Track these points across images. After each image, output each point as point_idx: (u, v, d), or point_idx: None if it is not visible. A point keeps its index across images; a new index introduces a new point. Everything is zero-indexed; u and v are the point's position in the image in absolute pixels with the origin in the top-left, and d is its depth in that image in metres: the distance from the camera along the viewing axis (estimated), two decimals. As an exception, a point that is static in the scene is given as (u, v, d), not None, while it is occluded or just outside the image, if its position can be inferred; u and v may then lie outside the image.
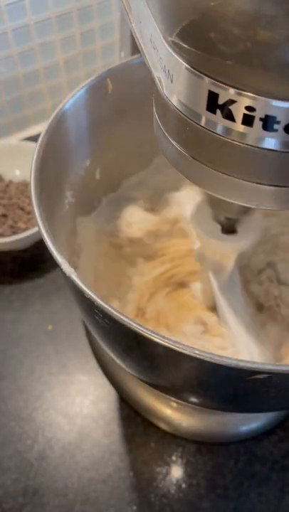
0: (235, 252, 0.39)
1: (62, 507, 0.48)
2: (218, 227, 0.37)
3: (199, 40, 0.20)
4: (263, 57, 0.19)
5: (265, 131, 0.21)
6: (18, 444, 0.51)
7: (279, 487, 0.49)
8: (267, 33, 0.18)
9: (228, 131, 0.22)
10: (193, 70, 0.21)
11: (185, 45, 0.21)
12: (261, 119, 0.20)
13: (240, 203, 0.25)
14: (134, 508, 0.48)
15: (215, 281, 0.43)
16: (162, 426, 0.52)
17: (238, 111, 0.21)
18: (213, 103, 0.21)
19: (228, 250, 0.38)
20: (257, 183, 0.23)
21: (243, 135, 0.21)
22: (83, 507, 0.48)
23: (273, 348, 0.46)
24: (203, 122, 0.23)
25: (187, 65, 0.21)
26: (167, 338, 0.25)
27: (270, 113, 0.20)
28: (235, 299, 0.45)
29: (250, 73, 0.19)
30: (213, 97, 0.21)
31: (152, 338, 0.26)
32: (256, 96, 0.20)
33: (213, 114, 0.22)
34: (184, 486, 0.50)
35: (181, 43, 0.21)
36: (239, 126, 0.21)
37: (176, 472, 0.50)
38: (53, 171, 0.38)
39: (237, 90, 0.20)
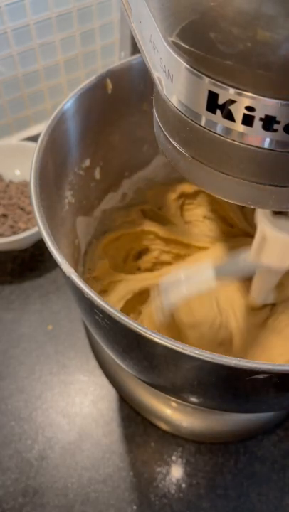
0: None
1: (62, 507, 0.48)
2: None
3: (199, 40, 0.20)
4: (263, 57, 0.19)
5: (265, 131, 0.21)
6: (18, 444, 0.51)
7: (279, 487, 0.49)
8: (267, 33, 0.18)
9: (228, 131, 0.22)
10: (193, 70, 0.21)
11: (185, 45, 0.21)
12: (261, 119, 0.20)
13: (239, 204, 0.25)
14: (134, 508, 0.48)
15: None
16: (162, 426, 0.52)
17: (238, 111, 0.21)
18: (213, 103, 0.21)
19: None
20: (257, 183, 0.23)
21: (243, 135, 0.21)
22: (83, 507, 0.48)
23: None
24: (203, 122, 0.23)
25: (187, 65, 0.21)
26: (167, 338, 0.25)
27: (270, 113, 0.20)
28: None
29: (250, 73, 0.19)
30: (213, 97, 0.21)
31: (152, 338, 0.26)
32: (256, 96, 0.20)
33: (213, 114, 0.22)
34: (183, 485, 0.49)
35: (181, 43, 0.21)
36: (239, 126, 0.21)
37: (176, 472, 0.50)
38: (53, 171, 0.38)
39: (237, 90, 0.20)
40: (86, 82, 0.41)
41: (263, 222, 0.35)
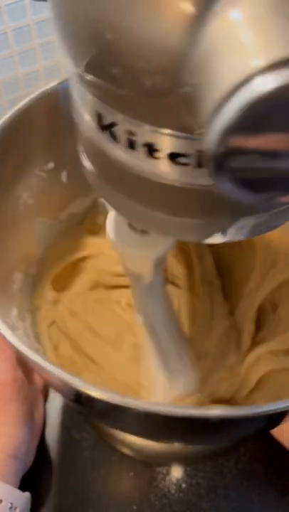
0: (152, 258, 0.34)
1: (63, 507, 0.49)
2: (133, 234, 0.33)
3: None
4: (133, 83, 0.18)
5: (149, 158, 0.19)
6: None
7: (279, 487, 0.48)
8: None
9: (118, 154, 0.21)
10: (82, 88, 0.20)
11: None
12: (144, 145, 0.19)
13: (147, 229, 0.23)
14: (134, 508, 0.48)
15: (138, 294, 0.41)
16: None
17: (121, 133, 0.20)
18: (100, 123, 0.20)
19: (143, 256, 0.34)
20: (157, 211, 0.22)
21: (135, 161, 0.20)
22: (83, 507, 0.49)
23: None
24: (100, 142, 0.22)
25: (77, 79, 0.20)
26: (109, 392, 0.25)
27: (149, 139, 0.19)
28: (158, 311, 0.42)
29: (122, 96, 0.18)
30: (99, 117, 0.20)
31: (92, 394, 0.25)
32: (133, 120, 0.19)
33: (104, 135, 0.21)
34: (184, 485, 0.49)
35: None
36: (126, 150, 0.20)
37: (176, 472, 0.50)
38: (7, 169, 0.38)
39: (117, 112, 0.19)
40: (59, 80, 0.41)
41: (112, 241, 0.34)
